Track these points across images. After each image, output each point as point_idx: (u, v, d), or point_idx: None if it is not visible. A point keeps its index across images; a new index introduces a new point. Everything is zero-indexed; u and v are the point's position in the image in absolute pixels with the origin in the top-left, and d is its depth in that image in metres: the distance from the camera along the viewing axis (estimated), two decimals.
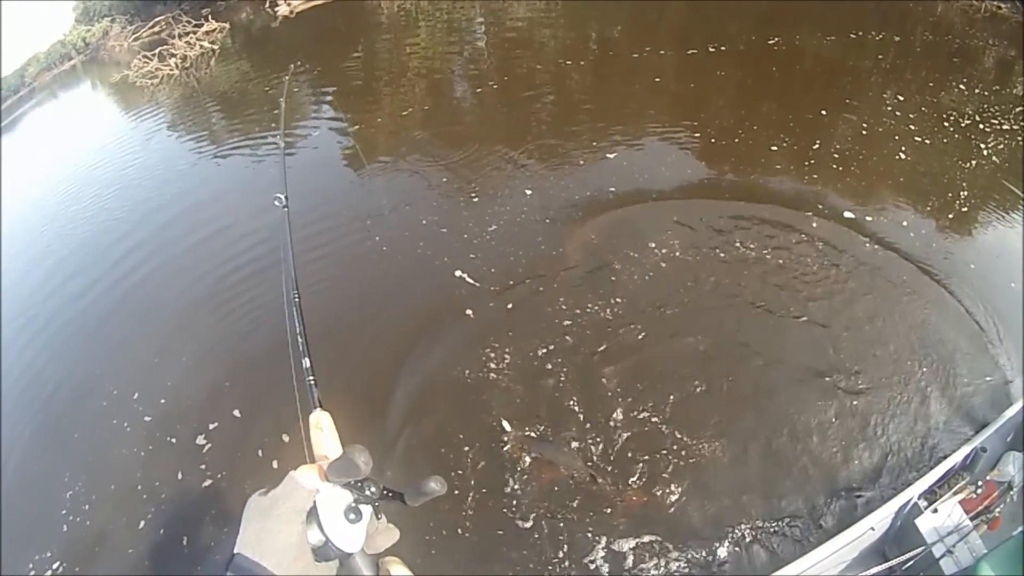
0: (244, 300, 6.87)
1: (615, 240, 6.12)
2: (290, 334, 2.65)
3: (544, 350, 5.09)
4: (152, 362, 6.50)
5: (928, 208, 6.25)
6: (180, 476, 5.11)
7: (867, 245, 5.71)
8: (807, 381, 4.56)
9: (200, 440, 5.29)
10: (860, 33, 10.43)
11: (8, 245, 12.95)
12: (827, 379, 4.56)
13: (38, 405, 6.74)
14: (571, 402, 4.68)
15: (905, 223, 5.97)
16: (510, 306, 5.57)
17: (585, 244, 6.11)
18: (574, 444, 4.39)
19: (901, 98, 8.19)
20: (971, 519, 3.08)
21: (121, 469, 5.44)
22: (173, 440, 5.46)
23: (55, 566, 4.86)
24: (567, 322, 5.31)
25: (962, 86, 8.48)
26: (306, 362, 2.42)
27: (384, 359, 5.36)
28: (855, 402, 4.38)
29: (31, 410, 6.74)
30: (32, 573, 4.86)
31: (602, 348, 5.02)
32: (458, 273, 5.99)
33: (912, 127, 7.45)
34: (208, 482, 4.94)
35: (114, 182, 13.02)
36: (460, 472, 4.39)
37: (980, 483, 3.18)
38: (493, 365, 5.05)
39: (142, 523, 4.89)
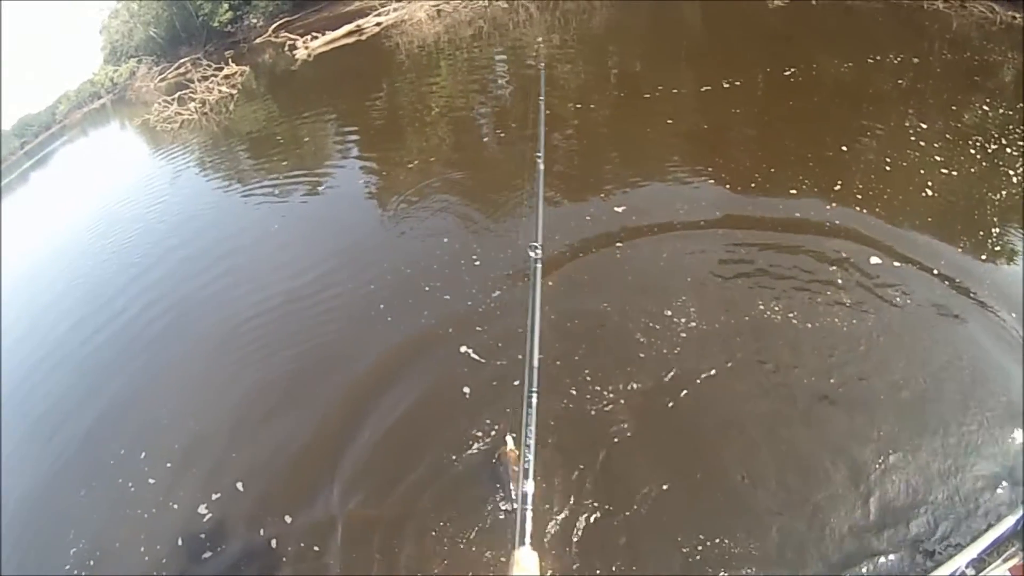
0: (257, 359, 6.98)
1: (629, 308, 5.88)
2: (522, 446, 2.40)
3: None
4: (161, 423, 6.61)
5: (960, 249, 5.93)
6: (180, 543, 5.15)
7: (898, 298, 5.43)
8: (841, 452, 4.30)
9: (202, 509, 5.32)
10: (878, 57, 10.14)
11: (32, 282, 13.36)
12: (864, 447, 4.31)
13: (49, 459, 6.90)
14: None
15: (936, 271, 5.63)
16: (516, 382, 5.24)
17: (598, 315, 5.90)
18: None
19: (924, 126, 7.91)
20: None
21: (125, 529, 5.51)
22: (176, 506, 5.51)
23: None
24: (572, 403, 5.09)
25: (985, 106, 8.22)
26: (527, 487, 2.25)
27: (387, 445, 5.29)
28: (896, 470, 4.14)
29: (42, 462, 6.90)
30: None
31: (607, 432, 4.78)
32: (463, 349, 5.88)
33: (937, 158, 7.17)
34: (207, 554, 4.96)
35: (139, 222, 13.65)
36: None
37: None
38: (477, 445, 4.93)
39: None
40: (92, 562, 5.35)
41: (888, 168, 7.16)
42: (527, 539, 2.04)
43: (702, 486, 4.28)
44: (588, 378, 5.14)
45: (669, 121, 9.61)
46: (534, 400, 2.45)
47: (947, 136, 7.56)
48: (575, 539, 4.11)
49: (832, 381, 4.77)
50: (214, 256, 9.99)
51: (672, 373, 5.05)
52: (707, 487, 4.27)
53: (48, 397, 8.11)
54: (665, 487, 4.28)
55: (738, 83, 10.12)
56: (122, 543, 5.40)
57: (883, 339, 5.04)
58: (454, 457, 4.85)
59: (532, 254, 3.06)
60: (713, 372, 5.01)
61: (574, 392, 5.03)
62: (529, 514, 2.10)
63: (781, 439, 4.46)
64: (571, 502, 4.28)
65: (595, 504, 4.26)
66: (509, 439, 4.66)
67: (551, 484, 4.42)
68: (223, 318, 8.02)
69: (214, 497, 5.38)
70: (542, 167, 4.29)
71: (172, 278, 9.91)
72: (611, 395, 4.96)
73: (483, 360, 5.69)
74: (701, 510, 4.14)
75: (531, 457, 2.24)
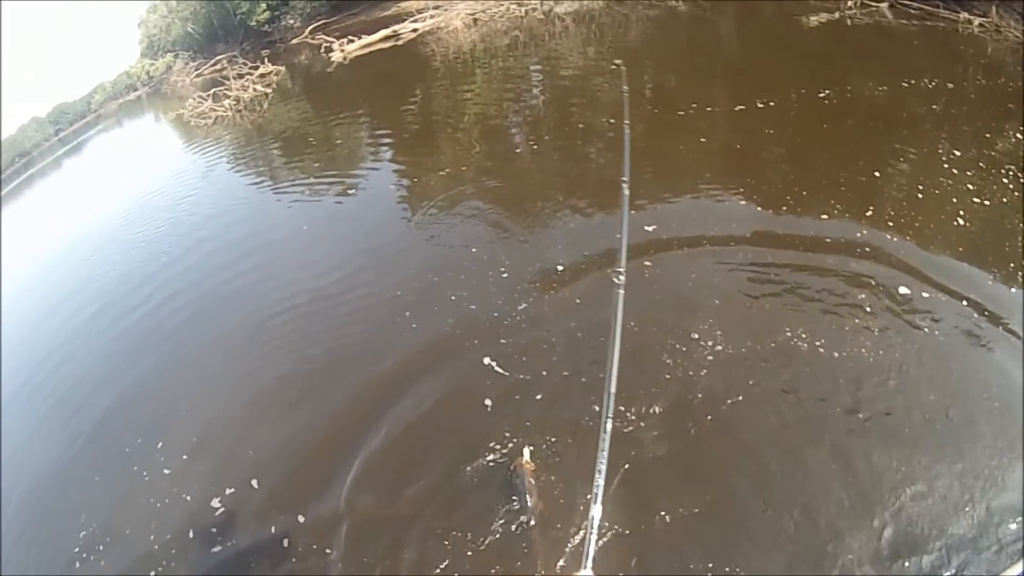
0: (279, 356, 7.06)
1: (656, 328, 5.79)
2: (596, 472, 2.45)
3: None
4: (180, 414, 6.72)
5: (991, 280, 5.75)
6: (191, 535, 5.21)
7: (926, 327, 5.31)
8: (861, 484, 4.21)
9: (215, 503, 5.38)
10: (912, 81, 9.95)
11: (58, 266, 13.68)
12: (885, 480, 4.21)
13: (65, 441, 7.05)
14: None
15: (966, 300, 5.50)
16: (539, 397, 5.38)
17: (625, 334, 5.76)
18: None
19: (957, 152, 7.73)
20: None
21: (137, 517, 5.61)
22: (188, 498, 5.58)
23: None
24: (593, 421, 4.96)
25: (1018, 134, 7.95)
26: (596, 510, 2.35)
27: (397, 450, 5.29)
28: (916, 504, 4.04)
29: (59, 444, 7.06)
30: None
31: (626, 454, 4.67)
32: (487, 361, 5.86)
33: (970, 187, 7.00)
34: (216, 548, 5.00)
35: (169, 212, 13.98)
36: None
37: None
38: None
39: (152, 574, 5.00)
40: (101, 547, 5.45)
41: (920, 195, 7.04)
42: (590, 562, 2.05)
43: (719, 513, 4.22)
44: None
45: (702, 139, 9.56)
46: (609, 426, 2.45)
47: (980, 164, 7.40)
48: (587, 559, 4.07)
49: (858, 414, 4.68)
50: (242, 251, 10.17)
51: (697, 397, 5.00)
52: (724, 514, 4.21)
53: (68, 380, 8.31)
54: (681, 511, 4.24)
55: (772, 103, 10.03)
56: (132, 530, 5.48)
57: (911, 370, 4.94)
58: (468, 468, 4.84)
59: (616, 280, 3.05)
60: (739, 398, 4.94)
61: (597, 409, 4.94)
62: (594, 537, 2.11)
63: (802, 469, 4.39)
64: (581, 531, 4.20)
65: (607, 524, 4.20)
66: (526, 451, 4.66)
67: (569, 503, 4.40)
68: (248, 313, 8.13)
69: (228, 492, 5.44)
70: (627, 192, 4.25)
71: (199, 270, 10.11)
72: (633, 416, 4.89)
73: (506, 373, 5.67)
74: (716, 537, 4.09)
75: (602, 482, 2.26)
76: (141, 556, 5.17)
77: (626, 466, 4.55)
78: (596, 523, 2.16)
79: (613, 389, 2.58)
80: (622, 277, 3.12)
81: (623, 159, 5.01)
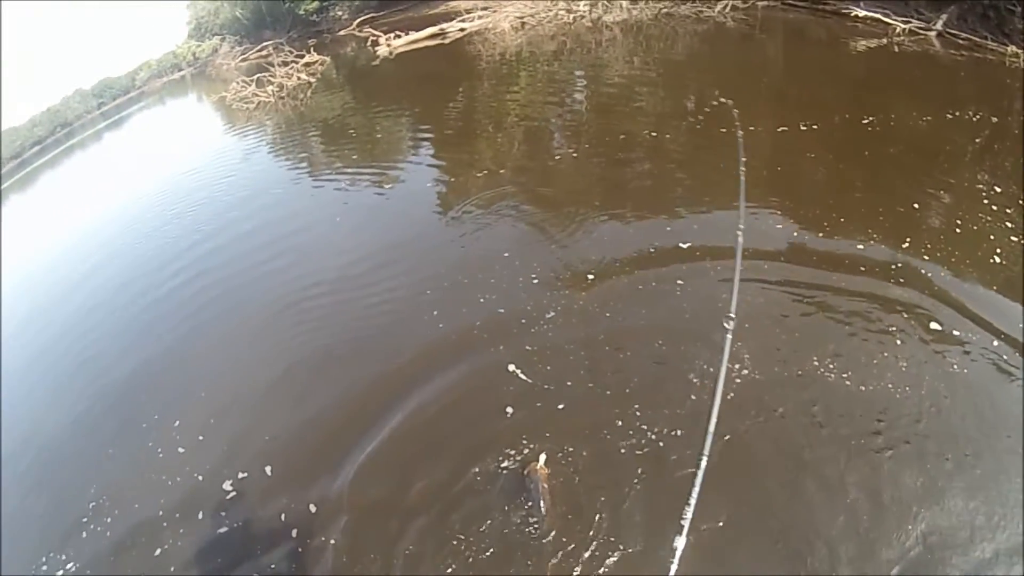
0: (302, 344, 7.09)
1: (684, 347, 5.73)
2: (685, 504, 2.48)
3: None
4: (199, 395, 6.80)
5: (1021, 325, 5.53)
6: (200, 516, 5.25)
7: (956, 365, 5.14)
8: (875, 520, 4.09)
9: (227, 486, 5.42)
10: (957, 112, 9.68)
11: (92, 236, 14.02)
12: (899, 515, 4.09)
13: (81, 411, 7.22)
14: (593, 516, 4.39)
15: (996, 343, 5.32)
16: (561, 407, 5.32)
17: (653, 352, 5.75)
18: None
19: (998, 189, 7.48)
20: None
21: (147, 493, 5.69)
22: (200, 478, 5.64)
23: (69, 567, 5.20)
24: (612, 435, 4.95)
25: None
26: (680, 541, 2.51)
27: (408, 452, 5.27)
28: (930, 542, 3.93)
29: (74, 412, 7.22)
30: (44, 568, 5.21)
31: (635, 472, 4.62)
32: (511, 367, 5.81)
33: (1008, 224, 6.78)
34: (224, 529, 5.05)
35: (205, 191, 14.27)
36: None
37: None
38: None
39: (158, 551, 5.06)
40: (109, 519, 5.54)
41: (958, 230, 6.85)
42: None
43: (730, 540, 4.13)
44: (637, 413, 5.03)
45: (743, 158, 9.42)
46: (703, 463, 2.46)
47: (1020, 202, 7.18)
48: None
49: (883, 451, 4.55)
50: (274, 235, 10.28)
51: (719, 421, 4.88)
52: (735, 542, 4.12)
53: (91, 350, 8.53)
54: (693, 536, 4.11)
55: (815, 127, 9.86)
56: (142, 506, 5.56)
57: (940, 408, 4.80)
58: (479, 469, 4.83)
59: (726, 324, 3.07)
60: (762, 427, 4.83)
61: (620, 423, 4.95)
62: (675, 568, 2.10)
63: (819, 502, 4.29)
64: (594, 544, 4.19)
65: (613, 541, 4.17)
66: (542, 457, 4.66)
67: (582, 515, 4.35)
68: (274, 298, 8.18)
69: (240, 476, 5.48)
70: (741, 240, 4.19)
71: (230, 251, 10.25)
72: (653, 436, 4.83)
73: (529, 380, 5.63)
74: (725, 565, 4.02)
75: (690, 515, 2.27)
76: (148, 531, 5.23)
77: (638, 485, 4.50)
78: (678, 554, 2.16)
79: (712, 428, 2.58)
80: (732, 322, 3.09)
81: (739, 204, 5.04)
